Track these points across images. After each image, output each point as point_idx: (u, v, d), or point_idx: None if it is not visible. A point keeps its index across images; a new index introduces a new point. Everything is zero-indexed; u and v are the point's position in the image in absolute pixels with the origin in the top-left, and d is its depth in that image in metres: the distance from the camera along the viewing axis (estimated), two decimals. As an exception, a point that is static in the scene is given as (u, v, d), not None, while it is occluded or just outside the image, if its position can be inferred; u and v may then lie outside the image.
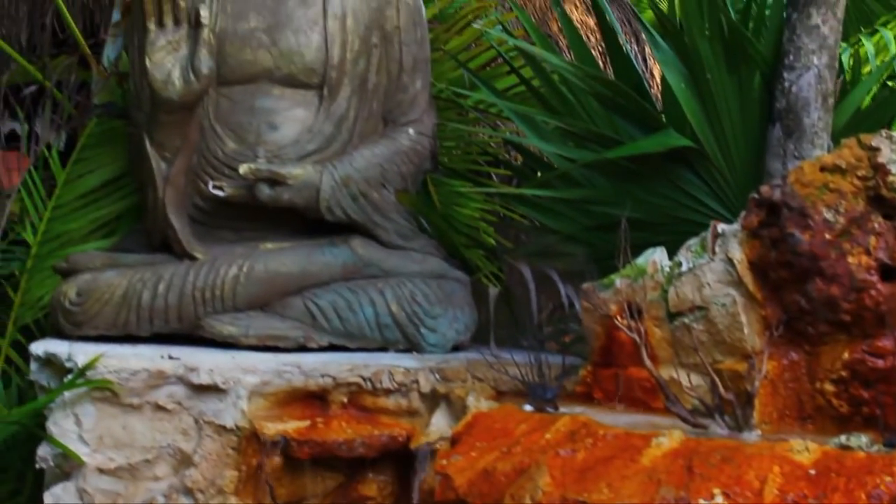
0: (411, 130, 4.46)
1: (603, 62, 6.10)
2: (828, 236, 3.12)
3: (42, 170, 4.70)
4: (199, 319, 4.08)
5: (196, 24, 4.10)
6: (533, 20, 5.83)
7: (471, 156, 5.19)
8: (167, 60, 4.12)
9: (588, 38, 6.70)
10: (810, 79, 4.07)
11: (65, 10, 5.20)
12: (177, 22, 4.13)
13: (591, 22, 6.82)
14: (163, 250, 4.28)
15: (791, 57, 4.09)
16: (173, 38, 4.13)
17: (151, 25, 4.11)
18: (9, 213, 4.56)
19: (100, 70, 4.99)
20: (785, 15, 4.17)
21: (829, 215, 3.13)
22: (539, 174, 4.86)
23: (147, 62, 4.11)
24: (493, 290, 4.29)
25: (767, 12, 4.43)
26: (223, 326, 4.06)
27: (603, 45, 6.01)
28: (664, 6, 7.77)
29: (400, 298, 4.16)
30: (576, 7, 6.92)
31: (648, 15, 7.22)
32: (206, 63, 4.11)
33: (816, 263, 3.11)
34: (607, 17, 4.69)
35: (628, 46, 6.44)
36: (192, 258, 4.17)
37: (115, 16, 5.02)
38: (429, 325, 4.15)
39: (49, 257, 4.55)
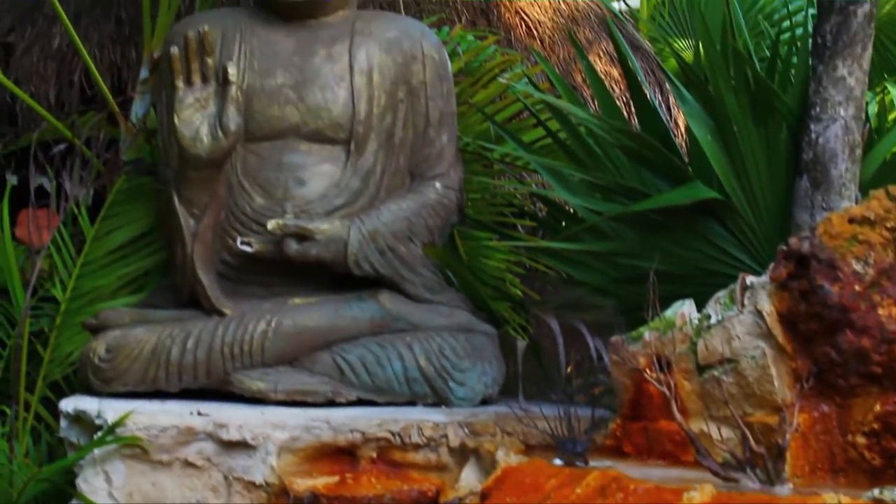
0: (438, 184, 4.47)
1: (628, 112, 6.12)
2: (857, 288, 3.11)
3: (71, 226, 4.73)
4: (228, 375, 4.08)
5: (224, 82, 4.13)
6: (557, 72, 5.85)
7: (496, 207, 5.20)
8: (195, 118, 4.14)
9: (613, 88, 6.72)
10: (837, 130, 4.07)
11: (93, 67, 5.23)
12: (205, 79, 4.15)
13: (616, 72, 6.84)
14: (191, 306, 4.28)
15: (817, 109, 4.09)
16: (201, 96, 4.15)
17: (180, 83, 4.14)
18: (38, 270, 4.58)
19: (128, 127, 5.03)
20: (810, 67, 4.17)
21: (858, 267, 3.13)
22: (564, 224, 4.86)
23: (175, 119, 4.13)
24: (521, 343, 4.28)
25: (794, 60, 4.44)
26: (252, 382, 4.05)
27: (628, 95, 6.04)
28: (686, 56, 7.80)
29: (428, 352, 4.15)
30: (599, 58, 6.94)
31: (671, 64, 7.24)
32: (234, 120, 4.13)
33: (846, 315, 3.10)
34: (632, 68, 4.70)
35: (653, 96, 6.45)
36: (221, 314, 4.18)
37: (143, 73, 5.07)
38: (457, 379, 4.14)
39: (78, 314, 4.57)
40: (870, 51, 4.11)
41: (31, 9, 6.00)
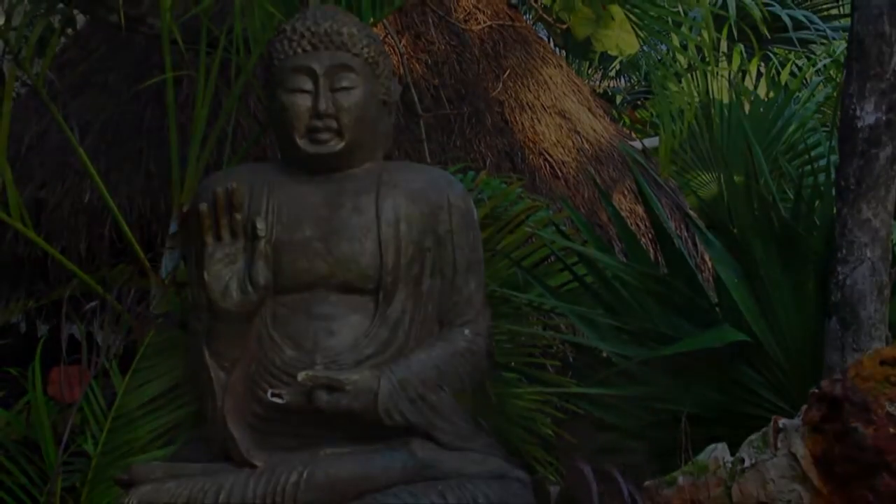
0: (467, 331, 4.46)
1: (654, 248, 6.15)
2: (892, 430, 3.10)
3: (102, 378, 4.75)
4: (260, 528, 4.07)
5: (253, 237, 4.17)
6: (583, 211, 5.89)
7: (524, 348, 5.20)
8: (225, 272, 4.18)
9: (638, 225, 6.76)
10: (864, 271, 4.08)
11: (122, 221, 5.30)
12: (234, 235, 4.20)
13: (640, 210, 6.89)
14: (222, 458, 4.26)
15: (844, 251, 4.11)
16: (230, 251, 4.19)
17: (209, 239, 4.18)
18: (70, 426, 4.59)
19: (158, 280, 5.07)
20: (835, 210, 4.19)
21: (891, 409, 3.12)
22: (592, 364, 4.86)
23: (205, 274, 4.17)
24: (555, 489, 4.26)
25: (817, 200, 4.46)
26: (283, 535, 4.03)
27: (653, 231, 6.08)
28: (711, 191, 7.85)
29: (461, 500, 4.11)
30: (624, 196, 6.99)
31: (692, 200, 7.29)
32: (262, 274, 4.16)
33: (882, 458, 3.08)
34: (656, 211, 4.73)
35: (678, 236, 6.49)
36: (252, 466, 4.17)
37: (173, 227, 5.12)
38: (491, 527, 4.12)
39: (109, 468, 4.57)
40: (893, 192, 4.13)
41: (62, 165, 6.10)
